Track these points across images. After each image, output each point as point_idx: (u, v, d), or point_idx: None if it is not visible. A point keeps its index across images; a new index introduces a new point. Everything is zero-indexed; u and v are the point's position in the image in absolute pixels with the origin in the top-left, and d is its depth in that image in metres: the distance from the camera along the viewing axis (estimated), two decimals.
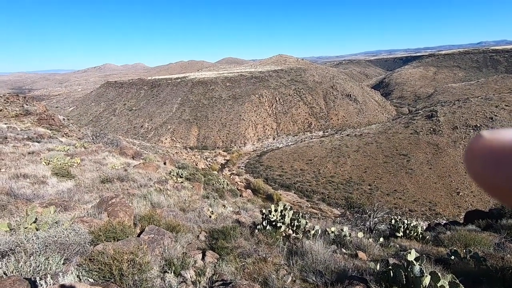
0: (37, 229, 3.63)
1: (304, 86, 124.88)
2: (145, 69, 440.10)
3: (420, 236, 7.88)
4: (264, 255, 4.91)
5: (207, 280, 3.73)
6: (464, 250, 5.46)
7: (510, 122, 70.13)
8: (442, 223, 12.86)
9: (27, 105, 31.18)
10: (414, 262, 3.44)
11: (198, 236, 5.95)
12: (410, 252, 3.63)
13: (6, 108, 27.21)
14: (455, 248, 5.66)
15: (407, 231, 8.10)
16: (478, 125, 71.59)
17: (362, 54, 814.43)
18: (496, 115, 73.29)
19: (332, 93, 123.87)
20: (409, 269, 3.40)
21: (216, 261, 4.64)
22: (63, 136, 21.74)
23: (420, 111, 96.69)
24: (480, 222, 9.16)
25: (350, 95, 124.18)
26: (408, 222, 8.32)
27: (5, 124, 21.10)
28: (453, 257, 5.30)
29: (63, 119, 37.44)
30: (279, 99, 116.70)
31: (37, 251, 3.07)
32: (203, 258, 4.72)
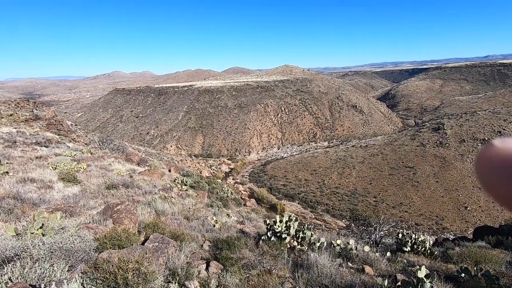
0: (43, 235, 3.63)
1: (310, 97, 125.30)
2: (153, 77, 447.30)
3: (428, 251, 7.67)
4: (269, 267, 4.82)
5: None
6: (475, 268, 5.29)
7: None
8: (450, 239, 12.53)
9: (36, 110, 31.76)
10: (425, 280, 3.34)
11: (202, 245, 5.88)
12: (420, 269, 3.53)
13: (16, 113, 27.74)
14: (465, 265, 5.50)
15: (415, 246, 7.90)
16: (486, 138, 70.71)
17: (368, 65, 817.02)
18: (504, 129, 72.41)
19: (338, 103, 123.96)
20: (419, 287, 3.30)
21: (220, 272, 4.57)
22: (71, 141, 22.00)
23: (426, 123, 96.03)
24: (490, 239, 8.91)
25: (356, 106, 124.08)
26: (416, 237, 8.11)
27: (15, 128, 21.46)
28: (463, 274, 5.13)
29: (71, 124, 37.97)
30: (284, 109, 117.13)
31: (43, 258, 3.06)
32: (207, 269, 4.65)
